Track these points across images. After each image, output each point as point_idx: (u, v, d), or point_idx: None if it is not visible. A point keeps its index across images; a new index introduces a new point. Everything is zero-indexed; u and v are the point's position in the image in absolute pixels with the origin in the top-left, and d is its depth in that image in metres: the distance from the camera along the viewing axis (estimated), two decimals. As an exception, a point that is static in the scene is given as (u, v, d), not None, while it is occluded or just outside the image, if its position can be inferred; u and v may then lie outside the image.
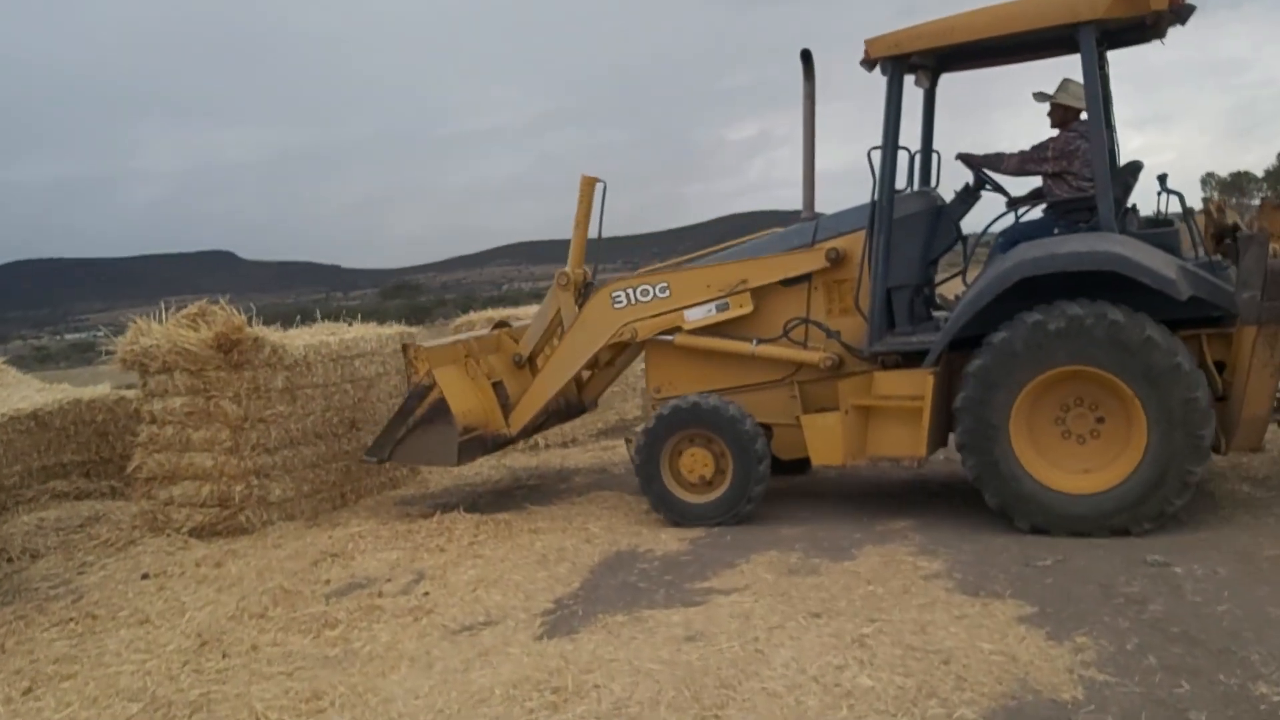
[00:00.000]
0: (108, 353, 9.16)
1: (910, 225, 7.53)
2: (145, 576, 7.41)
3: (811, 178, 8.17)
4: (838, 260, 7.65)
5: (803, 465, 8.60)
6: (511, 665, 5.10)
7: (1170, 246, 6.85)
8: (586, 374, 9.24)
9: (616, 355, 8.93)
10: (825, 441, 7.44)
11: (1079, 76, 6.95)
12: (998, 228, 7.70)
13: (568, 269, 8.65)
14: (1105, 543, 6.40)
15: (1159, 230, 7.05)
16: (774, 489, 8.56)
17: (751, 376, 7.99)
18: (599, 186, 8.54)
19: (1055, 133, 7.46)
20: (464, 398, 8.37)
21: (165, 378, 8.80)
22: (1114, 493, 6.55)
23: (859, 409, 7.37)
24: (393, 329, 10.73)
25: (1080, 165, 7.19)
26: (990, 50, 7.59)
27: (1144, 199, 7.71)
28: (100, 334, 9.83)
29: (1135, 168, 7.49)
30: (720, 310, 7.97)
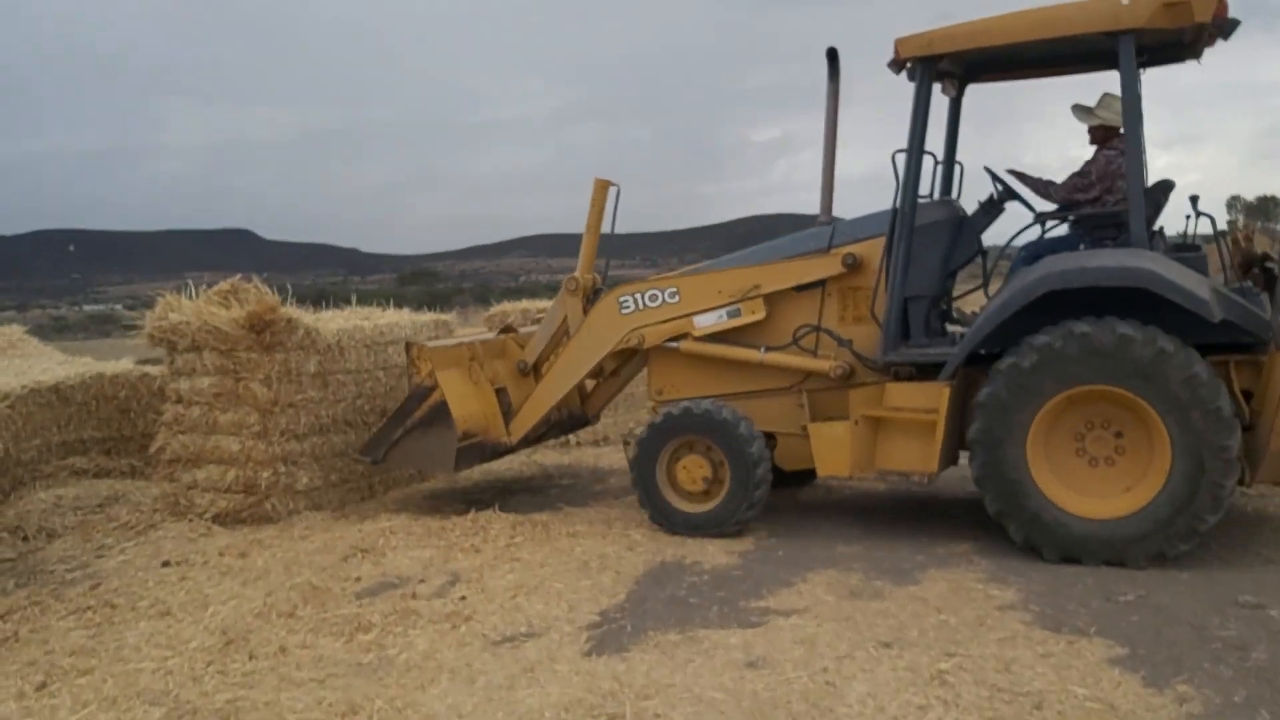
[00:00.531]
0: (130, 326, 8.84)
1: (931, 234, 7.26)
2: (166, 564, 7.07)
3: (831, 181, 7.85)
4: (854, 266, 7.36)
5: (806, 477, 8.26)
6: (560, 685, 4.73)
7: (1198, 270, 6.53)
8: (591, 385, 8.95)
9: (622, 365, 8.60)
10: (833, 452, 7.18)
11: (1117, 91, 6.66)
12: (1020, 241, 7.41)
13: (576, 274, 8.35)
14: (1185, 576, 6.03)
15: (1186, 254, 6.73)
16: (824, 502, 8.19)
17: (757, 382, 7.69)
18: (612, 190, 8.27)
19: (1092, 151, 7.18)
20: (465, 402, 8.09)
21: (193, 356, 8.46)
22: (1143, 515, 6.23)
23: (869, 420, 7.11)
24: (427, 316, 10.39)
25: (1122, 184, 6.88)
26: (1023, 59, 7.35)
27: (1169, 223, 7.45)
28: (119, 307, 9.50)
29: (1166, 187, 7.20)
30: (732, 316, 7.68)
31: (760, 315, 7.60)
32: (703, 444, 7.43)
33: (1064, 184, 7.15)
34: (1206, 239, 7.05)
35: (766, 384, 7.67)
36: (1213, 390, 6.05)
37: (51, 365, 10.48)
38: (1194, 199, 6.93)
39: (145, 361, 11.49)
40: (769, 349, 7.58)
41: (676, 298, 7.85)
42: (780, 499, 8.43)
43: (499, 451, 8.40)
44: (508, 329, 9.38)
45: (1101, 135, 7.22)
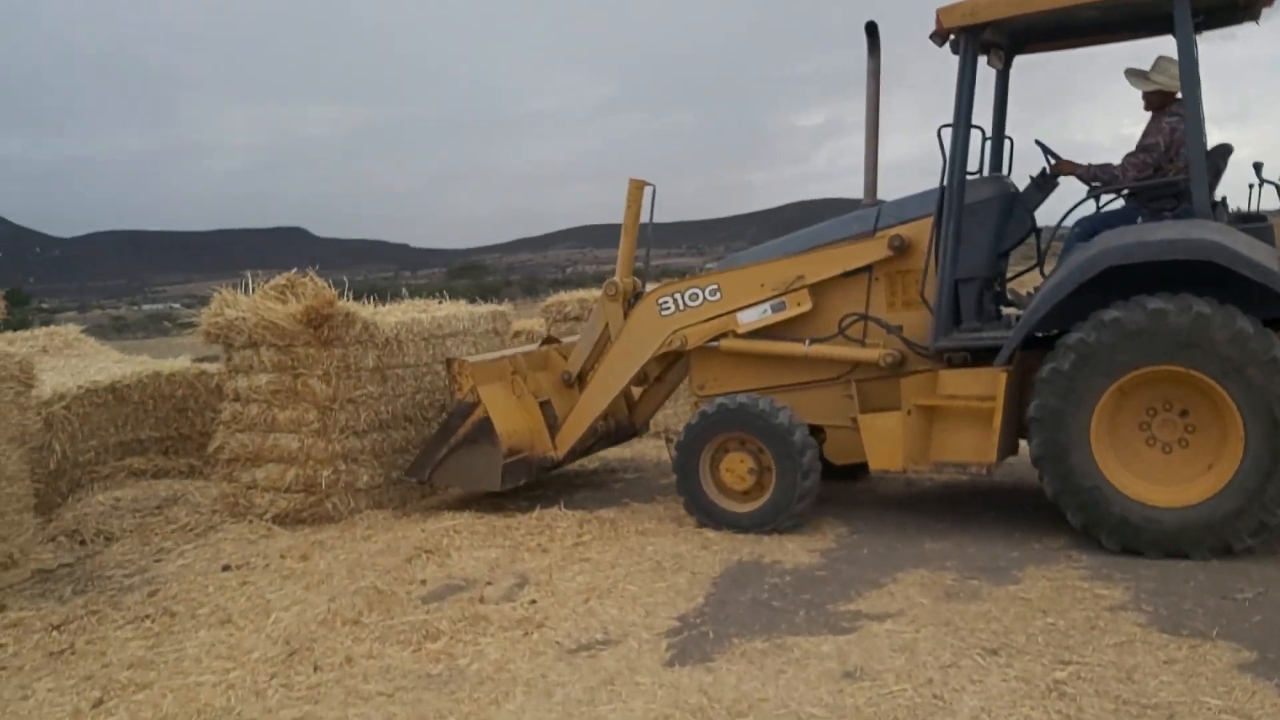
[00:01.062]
0: (186, 325, 8.64)
1: (981, 212, 6.91)
2: (226, 568, 6.85)
3: (875, 161, 7.52)
4: (902, 249, 7.01)
5: (854, 471, 7.91)
6: (644, 699, 4.41)
7: (1265, 242, 6.16)
8: (638, 392, 8.66)
9: (667, 369, 8.28)
10: (885, 445, 6.82)
11: (1171, 55, 6.33)
12: (1075, 217, 7.01)
13: (615, 278, 8.05)
14: (1305, 572, 5.59)
15: (1252, 225, 6.33)
16: (904, 495, 7.83)
17: (803, 374, 7.38)
18: (648, 190, 7.97)
19: (1147, 119, 6.81)
20: (509, 417, 7.85)
21: (251, 353, 8.23)
22: (1209, 505, 5.90)
23: (922, 409, 6.74)
24: (485, 307, 10.09)
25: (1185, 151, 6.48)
26: (1072, 26, 6.97)
27: (1232, 195, 7.00)
28: (176, 305, 9.33)
29: (1225, 151, 6.76)
30: (776, 310, 7.37)
31: (806, 307, 7.28)
32: (744, 440, 7.12)
33: (1131, 162, 6.73)
34: (1275, 212, 6.70)
35: (813, 375, 7.36)
36: (1264, 341, 5.70)
37: (108, 364, 10.32)
38: (1258, 166, 6.56)
39: (202, 359, 11.33)
40: (814, 341, 7.26)
41: (718, 295, 7.54)
42: (860, 493, 8.08)
43: (545, 467, 8.11)
44: (550, 340, 9.13)
45: (1158, 101, 6.86)
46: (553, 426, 8.14)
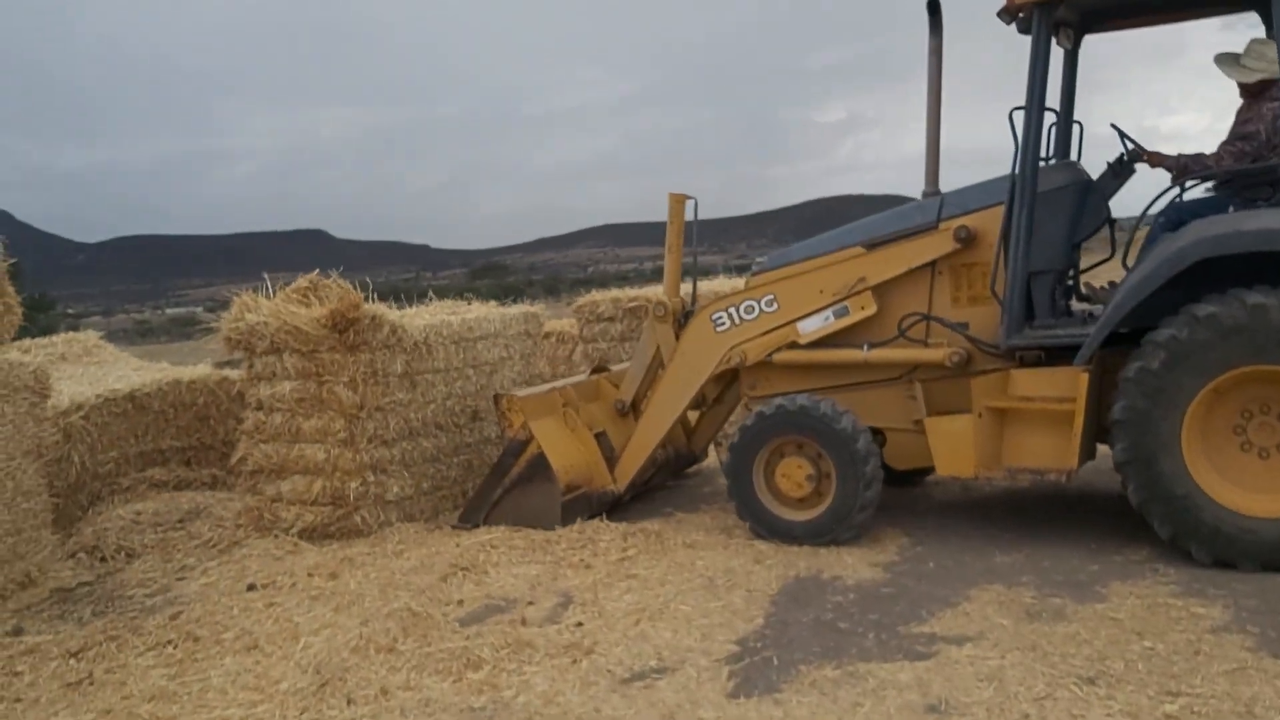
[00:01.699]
0: (208, 329, 8.26)
1: (1054, 201, 6.47)
2: (252, 587, 6.49)
3: (936, 147, 7.01)
4: (968, 241, 6.57)
5: (913, 476, 7.52)
6: (710, 737, 4.02)
7: None
8: (694, 417, 8.25)
9: (725, 389, 7.85)
10: (954, 449, 6.42)
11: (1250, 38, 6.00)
12: (1159, 206, 6.46)
13: (664, 298, 7.65)
14: None
15: None
16: (965, 502, 7.41)
17: (862, 374, 6.97)
18: (689, 204, 7.58)
19: (1240, 105, 6.36)
20: (565, 452, 7.48)
21: (273, 359, 7.85)
22: None
23: (994, 411, 6.32)
24: (516, 309, 9.68)
25: None
26: (1149, 3, 6.54)
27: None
28: (199, 309, 8.98)
29: None
30: (839, 316, 6.95)
31: (871, 310, 6.86)
32: (802, 443, 6.71)
33: (1228, 151, 6.27)
34: None
35: (872, 375, 6.96)
36: None
37: (127, 372, 9.99)
38: None
39: (223, 364, 11.00)
40: (872, 345, 6.85)
41: (774, 305, 7.14)
42: (918, 500, 7.67)
43: (606, 501, 7.64)
44: (599, 368, 8.75)
45: (1257, 87, 6.34)
46: (610, 459, 7.75)
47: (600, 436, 7.82)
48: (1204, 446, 5.72)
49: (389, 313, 8.00)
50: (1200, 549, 5.66)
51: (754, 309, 7.19)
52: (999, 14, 6.40)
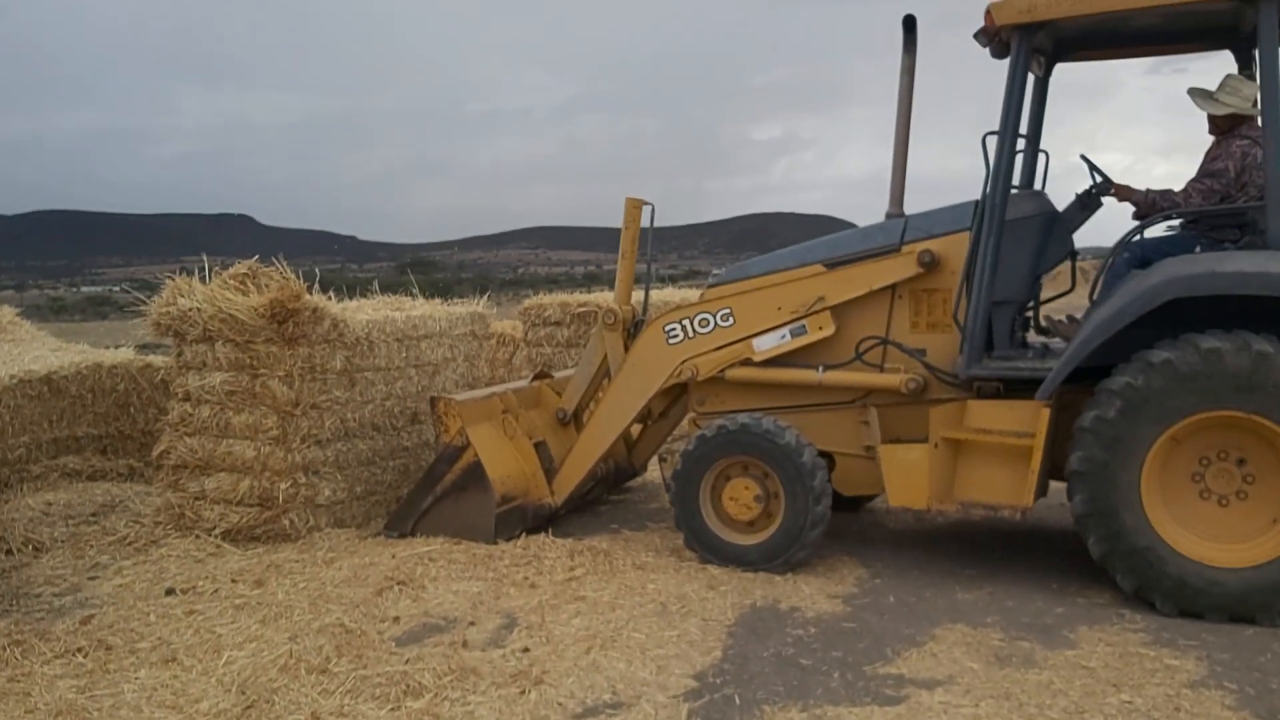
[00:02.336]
0: (132, 312, 7.76)
1: (1021, 230, 6.30)
2: (170, 592, 6.06)
3: (903, 167, 6.84)
4: (931, 265, 6.41)
5: (856, 503, 7.35)
6: (673, 784, 3.74)
7: None
8: (636, 431, 7.94)
9: (671, 404, 7.55)
10: (908, 479, 6.23)
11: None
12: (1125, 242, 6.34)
13: (614, 305, 7.37)
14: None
15: None
16: (919, 532, 7.23)
17: (815, 395, 6.77)
18: (646, 209, 7.33)
19: (1210, 142, 6.29)
20: (502, 461, 7.14)
21: (205, 348, 7.39)
22: (1260, 570, 5.35)
23: (949, 443, 6.14)
24: (464, 308, 9.29)
25: (1253, 176, 5.97)
26: (1128, 34, 6.44)
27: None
28: (118, 289, 8.47)
29: None
30: (796, 335, 6.74)
31: (830, 330, 6.66)
32: (747, 464, 6.49)
33: (1196, 189, 6.15)
34: None
35: (826, 397, 6.75)
36: None
37: (44, 353, 9.45)
38: None
39: (145, 348, 10.48)
40: (828, 368, 6.66)
41: (730, 320, 6.90)
42: (871, 528, 7.46)
43: (543, 515, 7.33)
44: (541, 374, 8.40)
45: (1226, 125, 6.26)
46: (549, 470, 7.44)
47: (539, 446, 7.49)
48: (1164, 496, 5.59)
49: (331, 305, 7.59)
50: (1165, 601, 5.50)
51: (709, 322, 6.95)
52: (976, 36, 6.26)
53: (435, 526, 7.09)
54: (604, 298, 11.47)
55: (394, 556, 6.56)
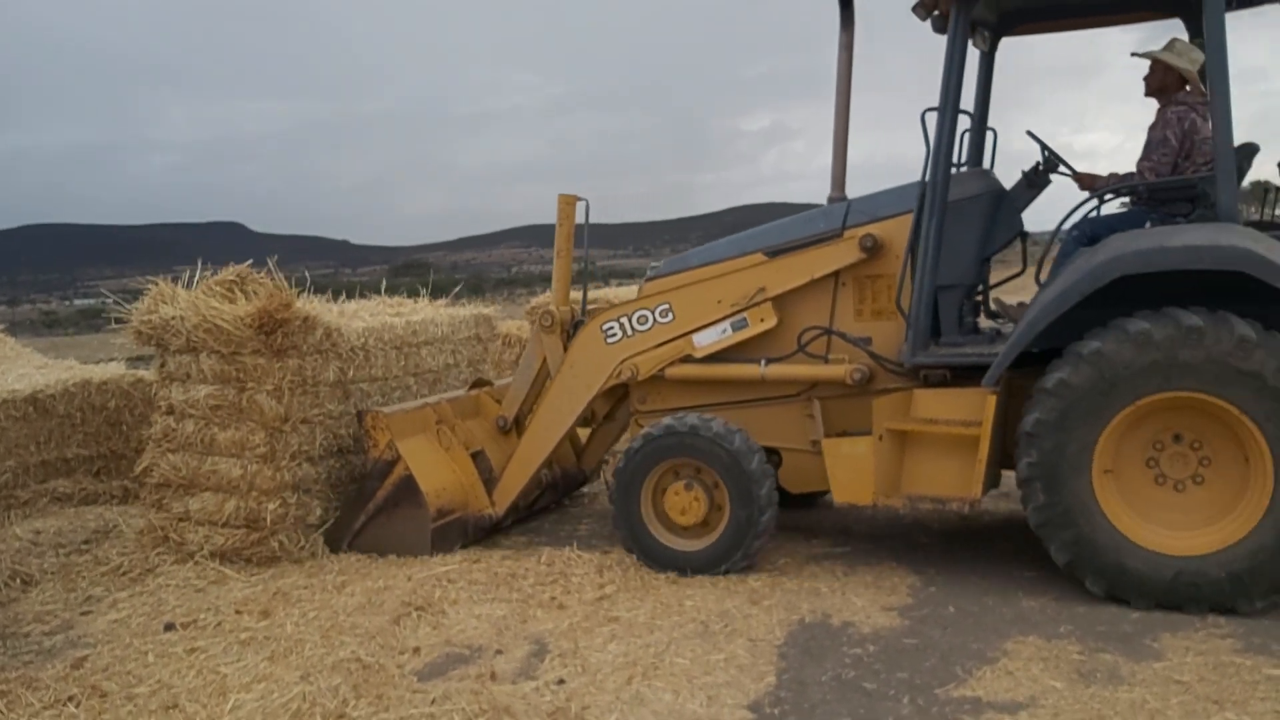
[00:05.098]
0: (118, 321, 7.34)
1: (966, 211, 6.12)
2: (170, 627, 5.60)
3: (844, 148, 6.57)
4: (874, 250, 6.18)
5: (806, 499, 7.07)
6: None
7: None
8: (585, 434, 7.68)
9: (616, 405, 7.24)
10: (852, 473, 5.94)
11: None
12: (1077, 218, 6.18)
13: (551, 306, 7.05)
14: None
15: (1270, 235, 5.56)
16: (957, 530, 6.78)
17: (759, 390, 6.52)
18: (580, 205, 7.00)
19: (1153, 117, 6.03)
20: (436, 474, 6.83)
21: (189, 359, 6.95)
22: (1224, 556, 5.11)
23: (894, 434, 5.88)
24: (468, 310, 8.85)
25: (1198, 145, 5.77)
26: (1073, 5, 6.33)
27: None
28: (110, 300, 8.03)
29: (1250, 150, 5.98)
30: (738, 329, 6.48)
31: (771, 323, 6.41)
32: (692, 467, 6.22)
33: (1147, 167, 5.92)
34: None
35: (770, 392, 6.50)
36: None
37: (30, 370, 8.96)
38: None
39: (137, 360, 10.03)
40: (771, 361, 6.41)
41: (670, 316, 6.63)
42: (916, 530, 7.02)
43: (484, 527, 6.99)
44: (480, 382, 8.03)
45: (1156, 84, 6.05)
46: (490, 480, 7.09)
47: (478, 456, 7.16)
48: (1116, 475, 5.37)
49: (324, 314, 7.17)
50: (1097, 581, 5.31)
51: (648, 319, 6.69)
52: (914, 9, 6.07)
53: (371, 545, 6.77)
54: (615, 292, 11.04)
55: (410, 579, 6.11)
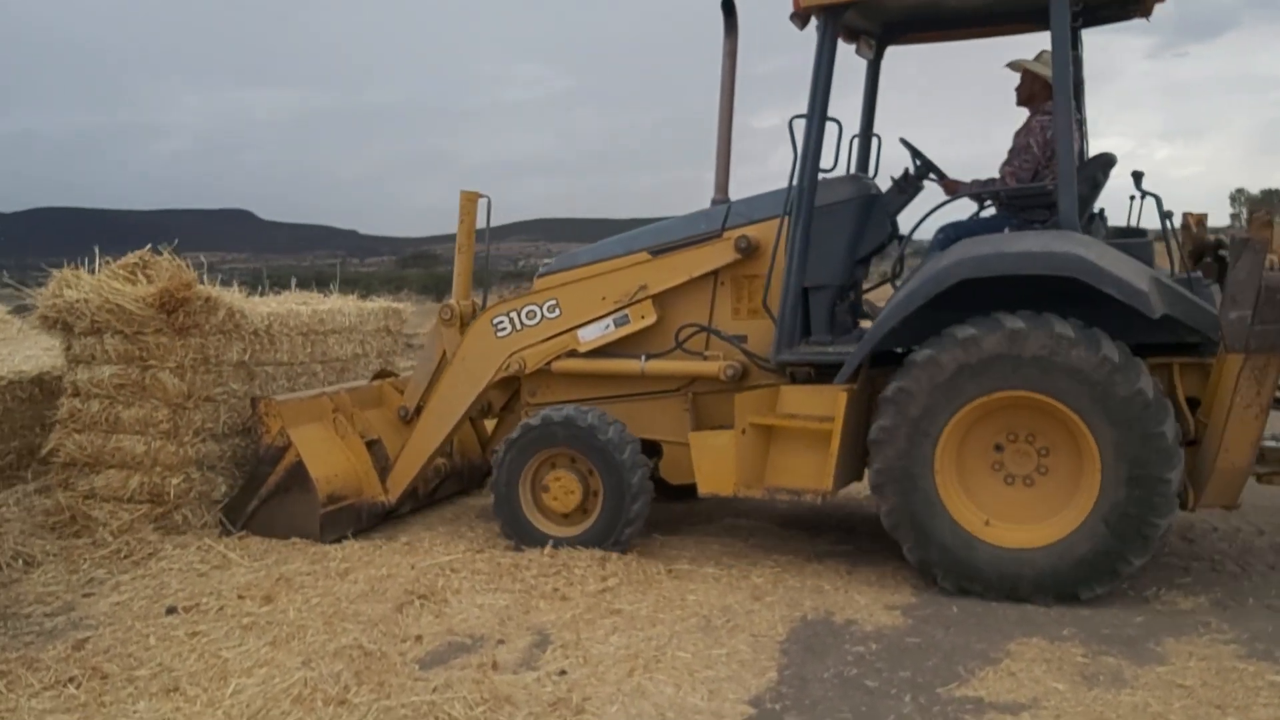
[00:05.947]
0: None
1: (836, 214, 6.33)
2: (172, 610, 5.59)
3: (727, 153, 6.77)
4: (749, 251, 6.42)
5: (687, 492, 7.08)
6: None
7: (1142, 259, 5.71)
8: (491, 425, 7.83)
9: (513, 397, 7.34)
10: (715, 466, 6.19)
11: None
12: (932, 224, 6.42)
13: (451, 300, 7.20)
14: None
15: (1130, 240, 5.86)
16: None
17: (641, 384, 6.74)
18: (482, 202, 7.19)
19: (1020, 124, 6.25)
20: (328, 461, 6.97)
21: (94, 340, 7.08)
22: (1058, 548, 5.37)
23: (759, 429, 6.08)
24: (376, 303, 9.20)
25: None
26: (944, 16, 6.53)
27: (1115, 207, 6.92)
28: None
29: (1107, 161, 6.19)
30: (620, 325, 6.72)
31: (651, 320, 6.64)
32: (570, 456, 6.52)
33: (1008, 172, 6.12)
34: (1166, 227, 6.09)
35: (652, 386, 6.72)
36: (1157, 411, 5.17)
37: (36, 352, 8.95)
38: (1137, 176, 6.07)
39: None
40: (651, 357, 6.63)
41: (557, 311, 6.85)
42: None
43: (377, 514, 7.17)
44: (384, 373, 8.21)
45: (1028, 92, 6.24)
46: (383, 469, 7.23)
47: (373, 445, 7.27)
48: (959, 472, 5.62)
49: (226, 295, 7.34)
50: (946, 576, 5.55)
51: (536, 314, 6.90)
52: (791, 18, 6.17)
53: (263, 528, 6.94)
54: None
55: (413, 567, 6.11)
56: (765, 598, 5.59)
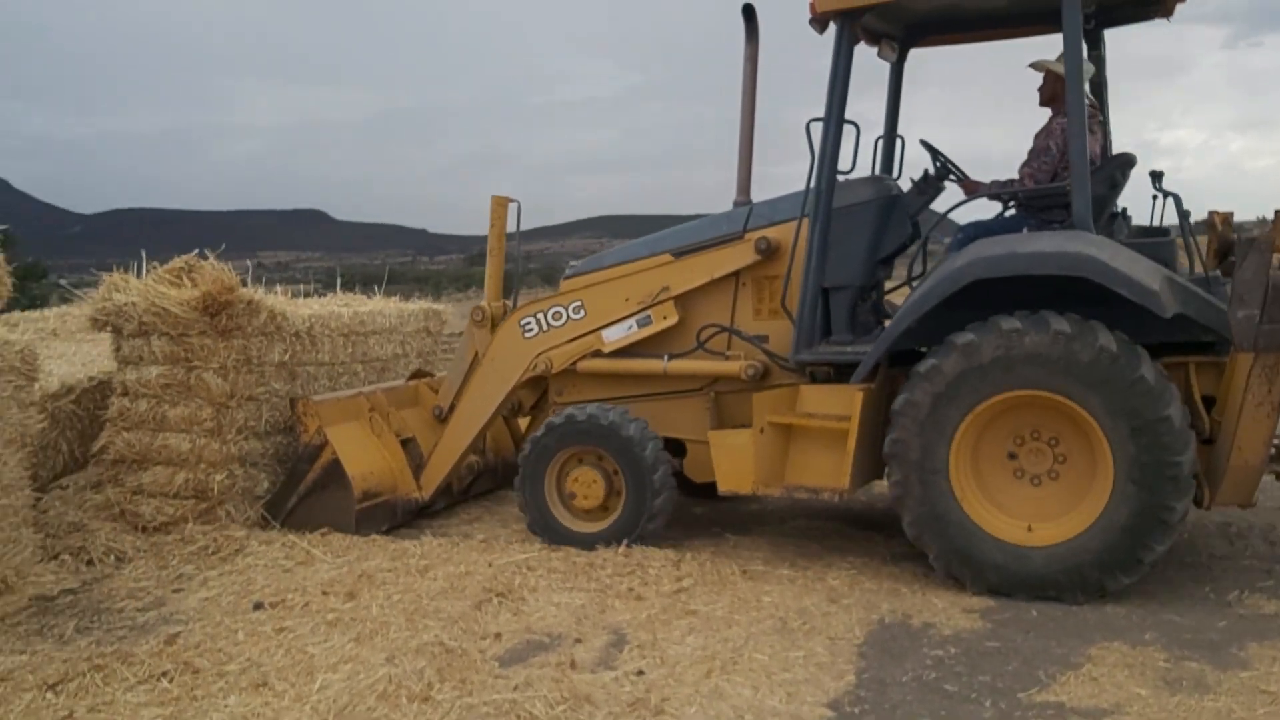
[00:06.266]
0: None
1: (856, 216, 6.36)
2: (259, 606, 5.74)
3: (749, 156, 6.82)
4: (769, 253, 6.54)
5: (709, 489, 7.09)
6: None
7: (1163, 259, 5.73)
8: (524, 424, 7.99)
9: (543, 396, 7.47)
10: (734, 464, 6.26)
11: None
12: (953, 222, 6.55)
13: (483, 303, 7.34)
14: None
15: (1151, 240, 5.91)
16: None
17: (665, 384, 6.90)
18: (512, 207, 7.32)
19: (1042, 124, 6.23)
20: (364, 459, 7.25)
21: (141, 342, 7.37)
22: (1079, 541, 5.38)
23: (778, 428, 6.16)
24: (416, 305, 9.41)
25: None
26: (963, 18, 6.56)
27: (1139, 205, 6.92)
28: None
29: (1127, 161, 6.14)
30: (643, 326, 6.87)
31: (673, 320, 6.79)
32: (594, 454, 6.69)
33: (1026, 173, 6.11)
34: (1188, 225, 6.16)
35: (675, 385, 6.87)
36: (1160, 396, 5.16)
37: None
38: (1156, 175, 6.16)
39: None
40: (673, 356, 6.78)
41: (582, 312, 7.02)
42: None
43: (411, 510, 7.42)
44: (419, 374, 8.41)
45: (1050, 92, 6.21)
46: (418, 466, 7.46)
47: (408, 443, 7.52)
48: (976, 476, 5.66)
49: (269, 299, 7.60)
50: (976, 581, 5.57)
51: (562, 315, 7.06)
52: (810, 23, 6.18)
53: (302, 523, 7.15)
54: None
55: (490, 565, 6.20)
56: (841, 600, 5.60)
